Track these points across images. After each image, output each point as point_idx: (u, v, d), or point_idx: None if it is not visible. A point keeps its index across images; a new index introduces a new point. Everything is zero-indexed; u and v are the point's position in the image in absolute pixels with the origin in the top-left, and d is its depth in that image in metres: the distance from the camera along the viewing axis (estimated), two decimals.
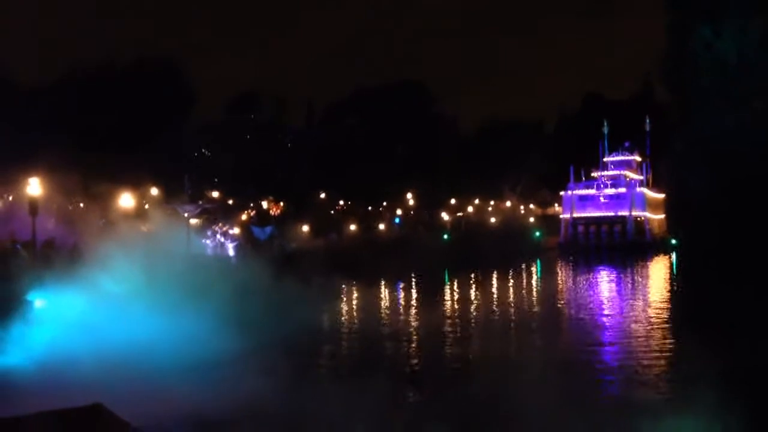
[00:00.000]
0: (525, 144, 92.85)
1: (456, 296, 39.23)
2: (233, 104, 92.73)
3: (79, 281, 25.38)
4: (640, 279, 56.12)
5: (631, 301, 40.40)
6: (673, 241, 72.54)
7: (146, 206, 46.41)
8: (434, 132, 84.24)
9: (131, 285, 24.97)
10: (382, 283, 43.37)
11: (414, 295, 40.79)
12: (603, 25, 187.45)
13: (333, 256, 41.70)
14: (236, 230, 39.46)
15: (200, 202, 51.76)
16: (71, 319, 22.40)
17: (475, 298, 38.25)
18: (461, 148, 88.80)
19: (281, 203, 73.00)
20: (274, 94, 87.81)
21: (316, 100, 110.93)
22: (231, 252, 37.24)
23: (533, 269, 60.63)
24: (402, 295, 41.23)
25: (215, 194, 59.78)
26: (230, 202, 61.41)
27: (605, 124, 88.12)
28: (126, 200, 43.79)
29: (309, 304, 25.79)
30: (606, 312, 34.51)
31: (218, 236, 38.49)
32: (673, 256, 68.35)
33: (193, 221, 47.37)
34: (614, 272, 58.94)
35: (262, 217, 52.45)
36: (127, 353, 18.48)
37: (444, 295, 40.06)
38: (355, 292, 37.91)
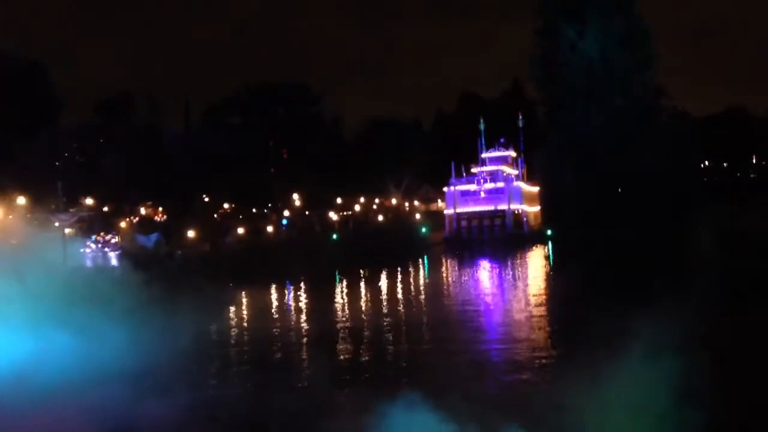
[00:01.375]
0: (406, 142, 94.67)
1: (347, 297, 39.41)
2: (106, 106, 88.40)
3: None
4: (521, 269, 58.68)
5: (514, 290, 42.20)
6: (549, 232, 76.34)
7: (10, 217, 43.46)
8: (318, 132, 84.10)
9: None
10: (273, 287, 42.92)
11: (305, 298, 40.59)
12: (474, 26, 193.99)
13: (221, 261, 40.75)
14: (117, 238, 37.58)
15: (74, 210, 49.17)
16: None
17: (367, 299, 38.67)
18: (345, 148, 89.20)
19: (160, 208, 70.39)
20: (150, 94, 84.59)
21: (199, 102, 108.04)
22: (114, 262, 35.47)
23: (421, 265, 61.97)
24: (292, 299, 40.97)
25: (90, 201, 56.76)
26: (106, 209, 58.59)
27: (481, 121, 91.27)
28: None
29: (200, 315, 25.03)
30: (493, 303, 35.98)
31: (98, 246, 36.51)
32: (549, 246, 71.94)
33: (68, 231, 44.86)
34: (497, 264, 61.31)
35: (147, 223, 50.29)
36: None
37: (334, 296, 40.18)
38: (246, 298, 37.31)
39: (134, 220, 53.52)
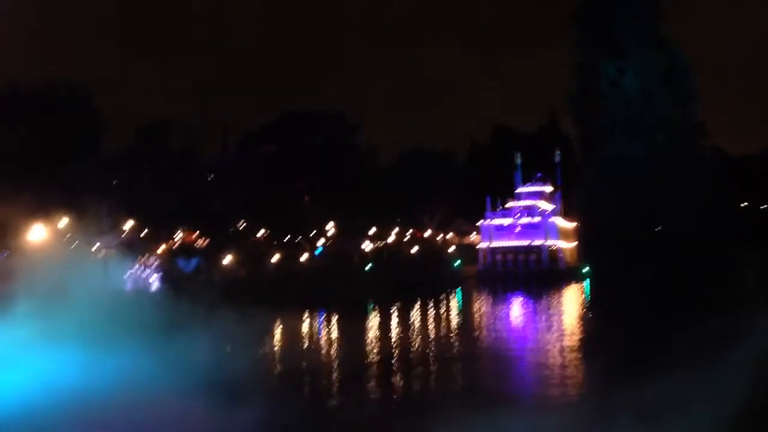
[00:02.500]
0: (440, 174, 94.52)
1: (382, 329, 38.98)
2: (145, 132, 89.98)
3: None
4: (556, 307, 57.53)
5: (548, 332, 41.03)
6: (586, 269, 75.13)
7: (61, 238, 44.02)
8: (354, 161, 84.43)
9: (44, 326, 23.32)
10: (309, 316, 42.69)
11: (340, 329, 40.22)
12: (509, 57, 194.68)
13: (257, 288, 40.65)
14: (158, 262, 37.77)
15: (117, 234, 49.70)
16: None
17: (400, 332, 38.22)
18: (381, 178, 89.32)
19: (197, 233, 70.94)
20: (188, 121, 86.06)
21: (235, 128, 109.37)
22: (155, 286, 35.52)
23: (455, 299, 61.30)
24: (329, 329, 40.69)
25: (130, 225, 57.39)
26: (145, 232, 59.13)
27: (518, 155, 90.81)
28: (37, 232, 41.35)
29: (243, 344, 24.82)
30: (527, 345, 34.87)
31: (141, 269, 36.67)
32: (586, 283, 70.72)
33: (109, 253, 45.21)
34: (532, 301, 60.27)
35: (187, 248, 50.59)
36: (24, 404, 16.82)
37: (368, 329, 39.80)
38: (286, 326, 37.11)
39: (174, 245, 53.88)
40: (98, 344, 20.40)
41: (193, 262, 40.86)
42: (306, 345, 33.18)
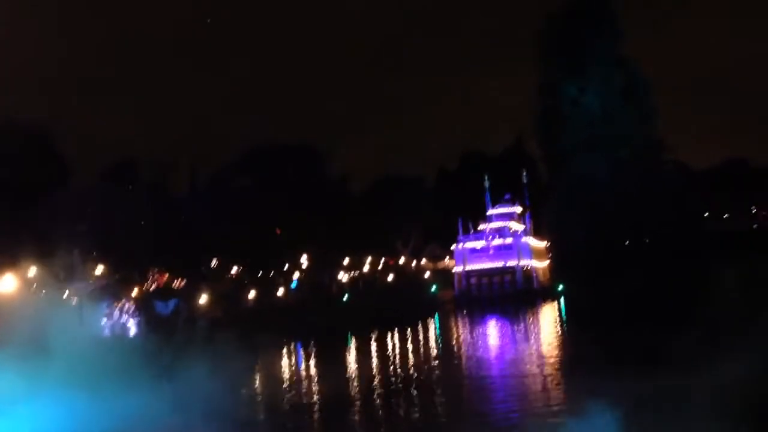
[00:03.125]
0: (410, 200, 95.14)
1: (362, 360, 38.99)
2: (111, 171, 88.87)
3: None
4: (534, 327, 58.06)
5: (527, 350, 41.23)
6: (560, 287, 75.96)
7: (30, 286, 43.19)
8: (326, 191, 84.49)
9: (27, 376, 22.88)
10: (291, 350, 42.51)
11: (322, 361, 40.11)
12: (472, 81, 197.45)
13: (238, 326, 40.37)
14: (134, 306, 37.29)
15: (89, 279, 48.78)
16: None
17: (381, 361, 38.32)
18: (352, 206, 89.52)
19: (167, 274, 70.02)
20: (154, 158, 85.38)
21: (203, 163, 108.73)
22: (133, 331, 35.03)
23: (434, 325, 61.53)
24: (310, 363, 40.63)
25: (100, 269, 56.43)
26: (116, 277, 58.14)
27: (486, 178, 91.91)
28: (7, 282, 40.55)
29: (232, 382, 24.66)
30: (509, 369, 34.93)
31: (117, 314, 36.15)
32: (561, 301, 71.52)
33: (80, 300, 44.45)
34: (510, 322, 60.77)
35: (164, 290, 49.98)
36: None
37: (348, 360, 39.89)
38: (271, 362, 36.97)
39: (151, 287, 53.19)
40: (88, 392, 20.04)
41: (171, 303, 40.39)
42: (291, 379, 33.08)
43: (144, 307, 37.33)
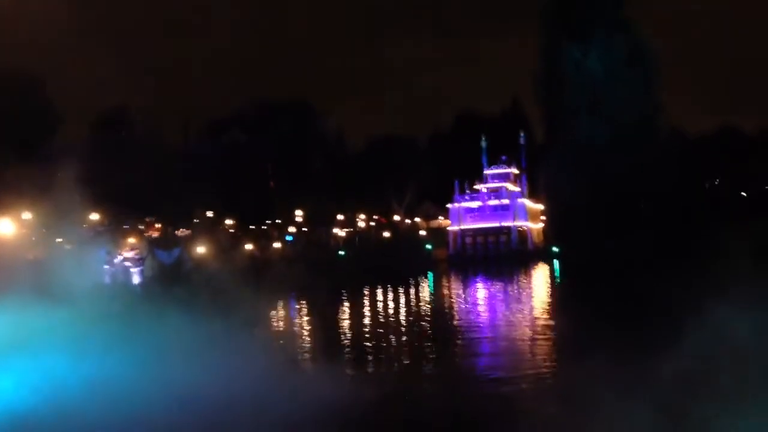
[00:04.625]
0: (405, 159, 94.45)
1: (368, 313, 38.94)
2: (103, 121, 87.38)
3: None
4: (530, 287, 58.02)
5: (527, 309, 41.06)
6: (554, 249, 76.12)
7: (27, 231, 42.50)
8: (321, 148, 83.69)
9: (39, 324, 22.15)
10: (299, 304, 42.40)
11: (321, 315, 39.95)
12: (468, 42, 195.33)
13: (239, 278, 40.01)
14: (139, 254, 36.68)
15: (84, 226, 48.08)
16: None
17: (383, 316, 38.26)
18: (348, 164, 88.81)
19: (160, 224, 69.35)
20: (147, 109, 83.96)
21: (197, 120, 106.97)
22: (136, 278, 34.51)
23: (428, 282, 61.47)
24: (304, 315, 40.56)
25: (95, 217, 55.66)
26: (112, 224, 57.48)
27: (483, 138, 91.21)
28: (4, 226, 39.90)
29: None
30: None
31: (119, 262, 35.56)
32: (555, 262, 71.63)
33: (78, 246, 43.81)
34: (503, 281, 60.68)
35: (168, 239, 49.33)
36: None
37: (342, 313, 39.94)
38: (278, 312, 36.90)
39: (153, 235, 52.50)
40: (123, 341, 19.29)
41: (175, 252, 39.85)
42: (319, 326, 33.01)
43: (147, 256, 36.71)
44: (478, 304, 44.88)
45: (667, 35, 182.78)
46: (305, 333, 30.13)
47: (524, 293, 51.48)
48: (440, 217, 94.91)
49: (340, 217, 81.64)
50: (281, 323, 33.75)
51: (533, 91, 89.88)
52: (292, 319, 35.86)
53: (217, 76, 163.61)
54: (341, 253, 66.19)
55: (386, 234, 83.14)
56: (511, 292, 52.92)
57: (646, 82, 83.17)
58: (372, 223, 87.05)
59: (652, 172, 77.91)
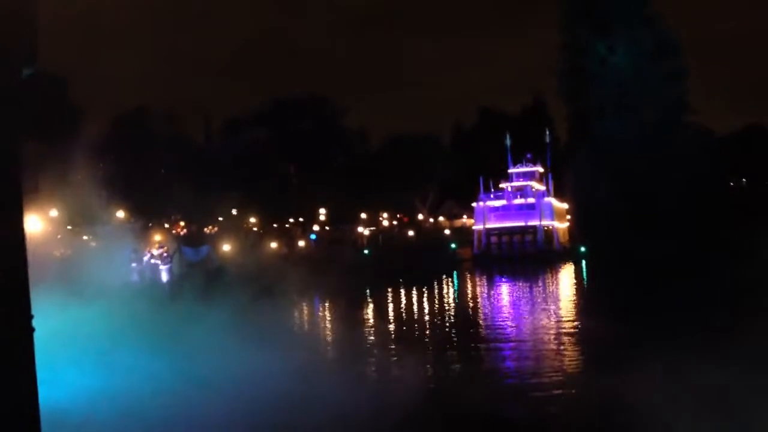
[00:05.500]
0: (427, 157, 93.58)
1: (392, 313, 38.18)
2: (125, 120, 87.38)
3: None
4: (559, 288, 56.85)
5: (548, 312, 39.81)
6: (582, 249, 74.82)
7: (54, 228, 42.13)
8: (343, 145, 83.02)
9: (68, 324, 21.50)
10: (329, 304, 41.76)
11: (347, 313, 39.26)
12: (487, 40, 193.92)
13: (268, 275, 39.42)
14: (167, 251, 36.08)
15: (113, 223, 47.70)
16: None
17: (407, 316, 37.51)
18: (370, 161, 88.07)
19: (183, 223, 69.06)
20: (169, 108, 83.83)
21: (218, 117, 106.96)
22: (164, 276, 33.93)
23: (454, 281, 60.59)
24: (330, 313, 39.87)
25: (120, 214, 55.37)
26: (137, 222, 57.11)
27: (507, 136, 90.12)
28: (33, 223, 39.50)
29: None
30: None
31: (148, 260, 35.01)
32: (583, 263, 70.35)
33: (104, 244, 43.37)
34: (530, 282, 59.50)
35: (195, 236, 48.85)
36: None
37: (368, 312, 39.17)
38: (321, 312, 36.34)
39: (180, 233, 52.06)
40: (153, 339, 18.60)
41: (203, 250, 39.30)
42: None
43: (175, 253, 36.13)
44: (511, 305, 43.88)
45: (694, 30, 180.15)
46: (340, 333, 29.40)
47: (557, 294, 50.28)
48: (464, 216, 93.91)
49: (362, 215, 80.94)
50: (316, 322, 33.09)
51: (557, 88, 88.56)
52: (324, 318, 35.17)
53: (236, 74, 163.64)
54: (365, 251, 65.39)
55: (410, 233, 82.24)
56: (542, 293, 51.73)
57: (673, 78, 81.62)
58: (395, 222, 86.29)
59: (679, 170, 76.41)
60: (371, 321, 33.89)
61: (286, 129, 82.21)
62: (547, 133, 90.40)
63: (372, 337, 27.23)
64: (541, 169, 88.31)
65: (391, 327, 31.55)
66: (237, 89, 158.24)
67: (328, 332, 29.12)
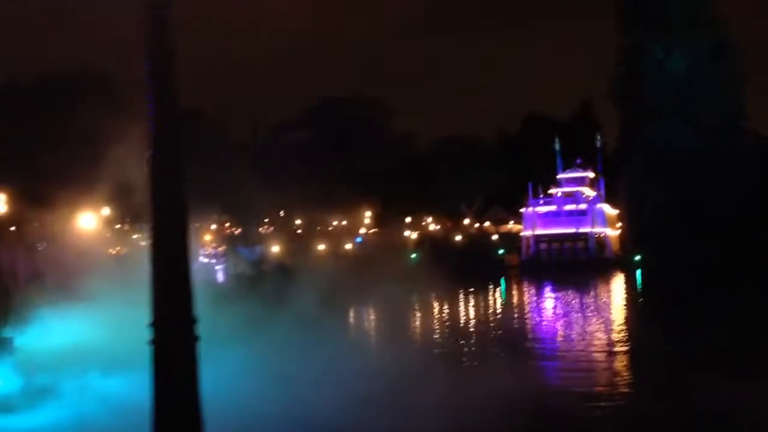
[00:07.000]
0: (473, 161, 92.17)
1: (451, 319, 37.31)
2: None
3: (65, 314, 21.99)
4: (609, 298, 54.66)
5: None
6: (637, 258, 72.54)
7: (107, 227, 42.04)
8: (390, 148, 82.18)
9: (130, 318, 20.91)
10: (383, 306, 40.89)
11: (396, 317, 38.39)
12: (533, 45, 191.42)
13: (319, 278, 38.64)
14: (224, 250, 35.50)
15: None
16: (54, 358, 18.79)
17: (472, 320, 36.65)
18: (417, 165, 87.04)
19: (228, 223, 68.84)
20: (217, 109, 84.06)
21: (263, 119, 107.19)
22: (221, 276, 33.29)
23: (505, 288, 59.22)
24: (379, 317, 39.17)
25: None
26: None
27: (557, 141, 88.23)
28: (87, 221, 39.37)
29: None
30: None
31: (203, 258, 34.44)
32: (638, 273, 68.04)
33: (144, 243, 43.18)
34: (583, 291, 57.21)
35: (249, 236, 48.44)
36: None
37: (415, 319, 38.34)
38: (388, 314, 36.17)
39: (233, 233, 51.73)
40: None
41: (258, 249, 38.68)
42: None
43: (230, 253, 35.55)
44: (570, 316, 42.09)
45: (753, 32, 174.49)
46: (429, 337, 28.92)
47: (614, 306, 48.20)
48: (510, 222, 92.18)
49: (408, 219, 79.93)
50: (401, 326, 32.56)
51: (607, 91, 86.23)
52: (404, 323, 34.62)
53: (283, 78, 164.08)
54: (413, 255, 64.32)
55: (457, 237, 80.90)
56: (598, 304, 49.42)
57: (732, 82, 78.81)
58: (441, 226, 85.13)
59: (737, 176, 73.67)
60: (424, 326, 33.38)
61: (334, 131, 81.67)
62: (598, 138, 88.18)
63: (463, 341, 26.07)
64: (591, 175, 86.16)
65: (455, 328, 30.89)
66: (284, 94, 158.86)
67: (416, 337, 28.40)
